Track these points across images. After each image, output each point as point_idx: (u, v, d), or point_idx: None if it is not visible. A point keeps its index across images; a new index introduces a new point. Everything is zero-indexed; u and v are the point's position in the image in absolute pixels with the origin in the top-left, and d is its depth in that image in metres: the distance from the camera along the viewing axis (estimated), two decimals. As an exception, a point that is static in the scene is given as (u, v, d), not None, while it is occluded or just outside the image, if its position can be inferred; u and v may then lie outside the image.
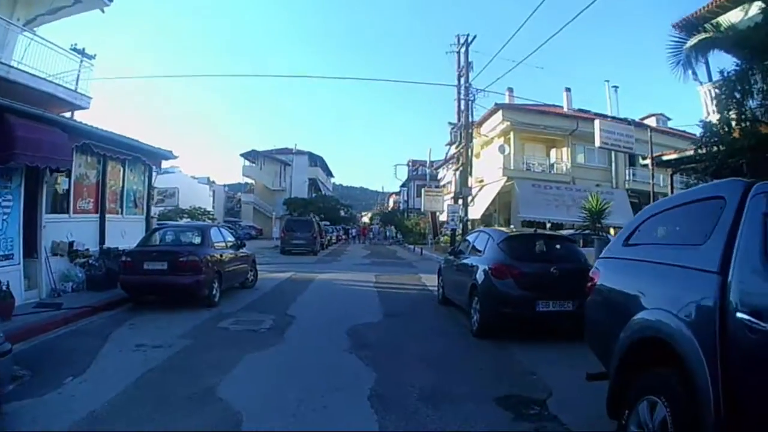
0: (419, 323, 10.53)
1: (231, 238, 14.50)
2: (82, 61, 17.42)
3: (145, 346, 7.90)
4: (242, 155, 72.29)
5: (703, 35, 13.28)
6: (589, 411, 5.14)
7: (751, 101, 10.09)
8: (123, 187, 15.52)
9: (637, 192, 36.33)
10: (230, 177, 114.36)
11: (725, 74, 10.67)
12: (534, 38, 21.17)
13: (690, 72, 14.35)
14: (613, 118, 17.24)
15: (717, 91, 12.09)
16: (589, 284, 5.07)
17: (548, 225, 28.84)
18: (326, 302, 13.07)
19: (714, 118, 13.24)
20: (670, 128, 38.15)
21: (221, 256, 12.82)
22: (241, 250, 14.55)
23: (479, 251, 10.33)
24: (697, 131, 12.08)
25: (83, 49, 17.38)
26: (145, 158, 15.98)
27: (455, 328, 10.13)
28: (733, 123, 10.08)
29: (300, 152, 74.08)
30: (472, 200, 32.06)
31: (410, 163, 78.45)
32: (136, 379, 6.30)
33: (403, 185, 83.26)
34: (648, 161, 16.20)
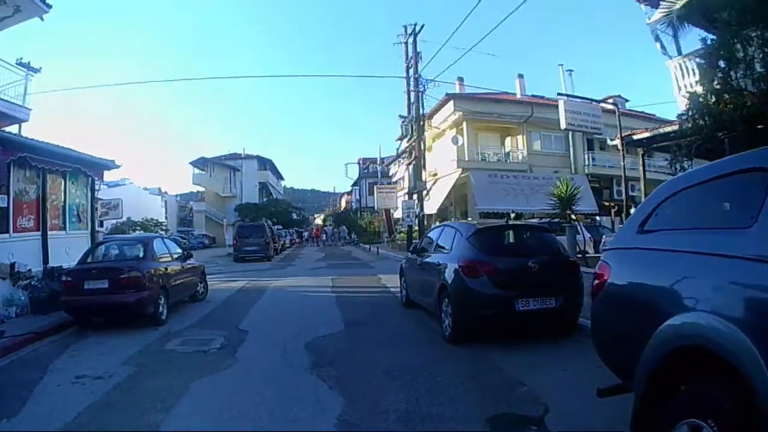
0: (384, 331, 9.62)
1: (177, 250, 13.47)
2: (27, 75, 17.05)
3: (86, 377, 6.98)
4: (191, 163, 70.56)
5: (665, 10, 13.00)
6: (596, 429, 4.41)
7: (735, 72, 9.51)
8: (65, 201, 14.62)
9: (597, 176, 36.37)
10: (182, 187, 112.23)
11: (707, 43, 10.13)
12: (484, 25, 20.86)
13: (658, 45, 14.23)
14: (577, 97, 16.83)
15: (699, 60, 11.53)
16: (596, 282, 4.29)
17: (512, 215, 28.12)
18: (281, 313, 12.12)
19: (684, 93, 13.06)
20: (631, 110, 38.20)
21: (166, 269, 11.85)
22: (188, 262, 13.57)
23: (446, 248, 9.51)
24: (656, 111, 11.58)
25: (29, 62, 17.18)
26: (86, 169, 14.96)
27: (425, 334, 9.31)
28: (718, 95, 9.50)
29: (249, 156, 73.22)
30: (427, 195, 31.37)
31: (361, 162, 77.90)
32: (73, 418, 5.48)
33: (354, 184, 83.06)
34: (617, 141, 15.63)
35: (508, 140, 37.59)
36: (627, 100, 41.19)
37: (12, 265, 11.71)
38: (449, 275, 8.59)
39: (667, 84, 14.55)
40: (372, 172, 68.25)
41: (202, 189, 72.72)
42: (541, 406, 5.33)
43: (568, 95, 14.76)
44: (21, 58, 17.08)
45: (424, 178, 30.56)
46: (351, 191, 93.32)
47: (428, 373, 6.69)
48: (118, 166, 16.73)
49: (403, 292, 12.16)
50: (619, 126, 14.90)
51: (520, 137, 36.94)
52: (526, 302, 7.96)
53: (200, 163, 70.14)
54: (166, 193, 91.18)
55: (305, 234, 71.26)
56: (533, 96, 38.71)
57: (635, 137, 15.76)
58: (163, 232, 59.69)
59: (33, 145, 12.23)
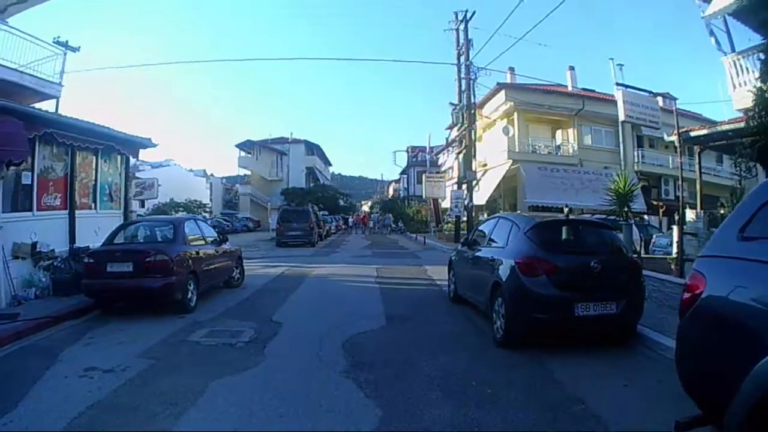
0: (430, 330, 8.73)
1: (211, 232, 12.81)
2: (66, 54, 16.92)
3: (96, 369, 6.35)
4: (237, 146, 70.57)
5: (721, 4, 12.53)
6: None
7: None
8: (96, 179, 14.06)
9: (646, 174, 34.98)
10: (228, 169, 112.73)
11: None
12: (535, 14, 20.21)
13: (713, 40, 13.67)
14: (635, 88, 15.57)
15: (762, 56, 10.78)
16: (687, 296, 3.49)
17: (565, 209, 26.89)
18: (320, 304, 11.35)
19: (744, 90, 12.75)
20: (680, 108, 36.72)
21: (198, 253, 11.18)
22: (223, 246, 12.91)
23: (500, 242, 8.61)
24: (701, 110, 10.82)
25: (66, 41, 17.01)
26: (119, 147, 14.51)
27: (473, 335, 8.44)
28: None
29: (296, 141, 72.52)
30: (477, 185, 30.34)
31: (409, 150, 76.96)
32: (69, 422, 4.80)
33: (402, 172, 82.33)
34: (674, 137, 14.52)
35: (558, 133, 36.28)
36: (676, 99, 38.99)
37: (33, 245, 11.21)
38: (504, 272, 7.72)
39: (713, 84, 13.73)
40: (420, 161, 67.25)
41: (248, 172, 72.65)
42: (601, 429, 4.60)
43: (626, 86, 13.62)
44: (58, 37, 16.92)
45: (474, 168, 29.59)
46: (399, 179, 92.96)
47: (478, 383, 5.84)
48: (154, 145, 16.37)
49: (451, 287, 11.28)
50: (676, 122, 13.85)
51: (570, 130, 35.63)
52: (586, 306, 7.05)
53: (246, 146, 70.04)
54: (212, 175, 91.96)
55: (350, 220, 69.66)
56: (584, 89, 37.32)
57: (692, 134, 14.59)
58: (207, 214, 60.09)
59: (59, 120, 11.75)
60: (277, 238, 31.72)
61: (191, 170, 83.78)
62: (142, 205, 56.39)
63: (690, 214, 13.73)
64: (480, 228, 10.56)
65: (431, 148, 59.82)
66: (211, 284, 11.87)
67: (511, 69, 36.48)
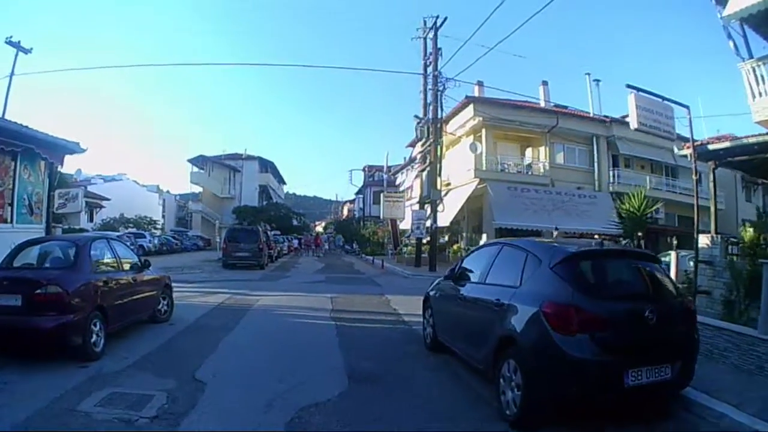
0: (408, 399, 6.35)
1: (130, 256, 10.29)
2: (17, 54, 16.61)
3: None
4: (190, 161, 67.66)
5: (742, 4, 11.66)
6: None
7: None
8: (14, 188, 12.28)
9: (622, 195, 33.37)
10: (183, 186, 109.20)
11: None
12: (509, 23, 19.65)
13: (731, 44, 12.61)
14: (647, 92, 13.82)
15: None
16: None
17: (555, 233, 24.54)
18: (261, 350, 8.89)
19: (760, 100, 12.03)
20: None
21: (108, 283, 8.69)
22: (146, 272, 10.44)
23: (509, 279, 6.24)
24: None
25: (19, 41, 16.62)
26: (41, 151, 12.61)
27: (471, 406, 6.11)
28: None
29: (250, 157, 70.56)
30: (441, 205, 28.24)
31: (366, 169, 75.22)
32: None
33: (358, 192, 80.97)
34: (686, 151, 12.64)
35: (528, 151, 34.85)
36: (687, 106, 37.98)
37: None
38: (519, 323, 5.48)
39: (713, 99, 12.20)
40: (378, 180, 65.63)
41: (200, 189, 70.21)
42: None
43: (638, 89, 11.85)
44: (11, 37, 16.25)
45: (438, 187, 27.61)
46: (354, 200, 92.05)
47: None
48: (83, 150, 14.41)
49: (428, 330, 8.94)
50: (691, 133, 11.97)
51: (542, 148, 34.16)
52: (638, 373, 4.98)
53: (199, 162, 67.37)
54: (168, 192, 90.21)
55: (295, 242, 62.48)
56: (556, 105, 35.89)
57: (711, 147, 12.72)
58: (157, 231, 57.59)
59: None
60: (224, 258, 28.90)
61: (144, 185, 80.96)
62: (91, 220, 54.37)
63: (704, 240, 11.82)
64: (471, 257, 8.18)
65: (389, 167, 58.01)
66: (127, 321, 9.38)
67: (480, 83, 34.94)
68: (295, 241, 59.29)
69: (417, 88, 28.67)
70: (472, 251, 8.46)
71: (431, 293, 9.09)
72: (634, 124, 11.72)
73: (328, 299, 15.11)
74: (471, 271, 7.68)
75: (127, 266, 9.80)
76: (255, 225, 39.94)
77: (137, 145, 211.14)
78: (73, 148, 14.01)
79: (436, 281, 9.32)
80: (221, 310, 12.98)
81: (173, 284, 12.07)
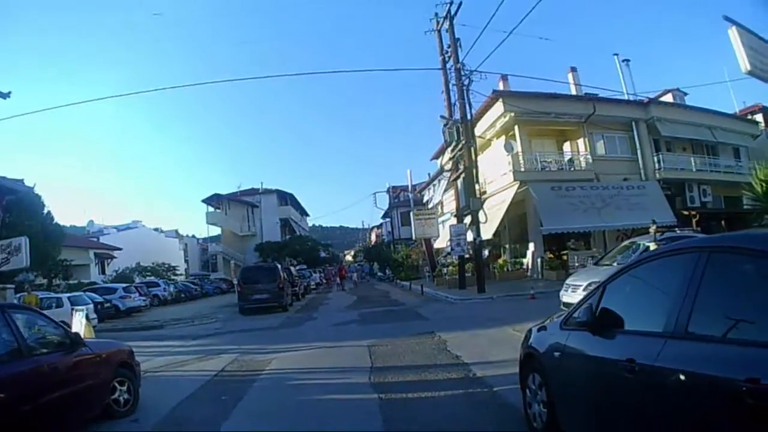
0: None
1: (50, 332, 6.73)
2: None
3: None
4: (204, 201, 65.43)
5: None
6: None
7: None
8: None
9: (669, 182, 30.24)
10: (201, 229, 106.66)
11: None
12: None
13: None
14: (750, 31, 10.79)
15: None
16: None
17: (652, 228, 20.74)
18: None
19: None
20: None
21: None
22: (82, 351, 6.87)
23: (761, 325, 2.62)
24: None
25: None
26: None
27: None
28: None
29: (267, 191, 67.98)
30: (483, 215, 24.43)
31: (390, 190, 71.56)
32: None
33: (384, 216, 77.66)
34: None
35: (566, 145, 31.14)
36: (686, 94, 35.63)
37: None
38: None
39: None
40: (403, 201, 62.17)
41: (217, 229, 67.69)
42: None
43: (738, 24, 8.68)
44: None
45: (478, 194, 23.97)
46: (381, 224, 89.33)
47: None
48: (28, 188, 11.26)
49: (536, 408, 5.16)
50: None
51: (580, 141, 30.41)
52: None
53: (214, 200, 64.93)
54: (193, 236, 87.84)
55: (316, 277, 52.41)
56: (587, 95, 32.21)
57: None
58: (179, 278, 54.63)
59: None
60: (240, 303, 24.96)
61: (161, 231, 78.62)
62: (102, 272, 51.59)
63: None
64: (623, 282, 4.22)
65: (414, 186, 54.52)
66: (50, 427, 5.87)
67: (504, 77, 31.23)
68: (316, 276, 52.03)
69: (437, 99, 25.26)
70: (620, 272, 4.58)
71: (540, 350, 5.18)
72: (745, 66, 8.17)
73: (365, 350, 11.32)
74: (634, 312, 3.95)
75: (45, 348, 6.30)
76: (278, 261, 36.60)
77: (152, 192, 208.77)
78: (16, 187, 10.95)
79: (540, 325, 5.57)
80: (218, 384, 9.35)
81: (171, 343, 8.59)
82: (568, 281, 13.94)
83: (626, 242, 15.42)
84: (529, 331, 5.73)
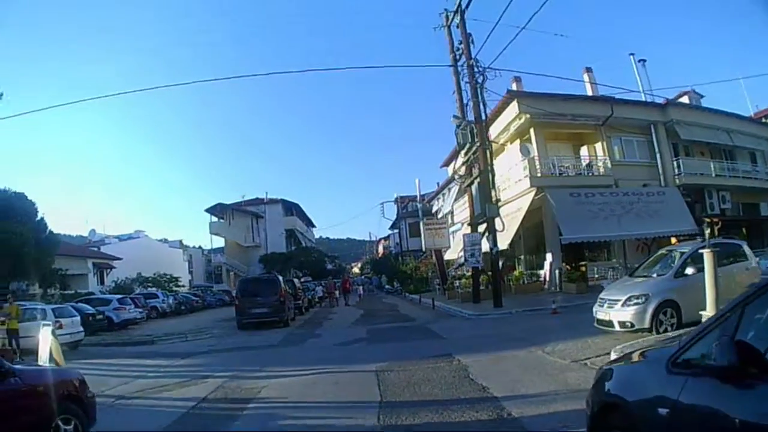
0: None
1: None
2: None
3: None
4: (207, 210, 63.94)
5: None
6: None
7: None
8: None
9: (689, 188, 28.60)
10: (205, 239, 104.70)
11: None
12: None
13: None
14: None
15: None
16: None
17: (673, 240, 18.84)
18: None
19: None
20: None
21: None
22: (9, 381, 5.33)
23: None
24: None
25: None
26: None
27: None
28: None
29: (273, 201, 66.58)
30: (499, 223, 22.70)
31: (398, 200, 69.98)
32: None
33: (392, 227, 76.50)
34: None
35: (583, 149, 29.61)
36: (702, 96, 34.25)
37: None
38: None
39: None
40: (412, 211, 60.48)
41: (220, 240, 66.46)
42: None
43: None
44: None
45: (494, 200, 22.34)
46: (388, 236, 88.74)
47: None
48: (18, 193, 9.98)
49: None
50: None
51: (598, 144, 28.79)
52: None
53: (217, 210, 63.40)
54: (199, 247, 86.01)
55: (319, 291, 45.82)
56: (602, 96, 30.68)
57: None
58: (181, 289, 53.15)
59: None
60: (238, 317, 23.30)
61: (165, 241, 76.75)
62: (101, 282, 50.03)
63: None
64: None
65: (422, 196, 52.95)
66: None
67: (517, 78, 29.74)
68: (319, 289, 47.01)
69: (446, 108, 23.87)
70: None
71: (629, 399, 3.56)
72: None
73: (373, 377, 9.63)
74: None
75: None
76: (283, 273, 35.26)
77: (157, 202, 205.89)
78: None
79: (617, 363, 3.97)
80: (194, 418, 7.76)
81: (157, 362, 7.11)
82: (602, 295, 12.32)
83: (662, 250, 13.87)
84: (605, 371, 4.09)
